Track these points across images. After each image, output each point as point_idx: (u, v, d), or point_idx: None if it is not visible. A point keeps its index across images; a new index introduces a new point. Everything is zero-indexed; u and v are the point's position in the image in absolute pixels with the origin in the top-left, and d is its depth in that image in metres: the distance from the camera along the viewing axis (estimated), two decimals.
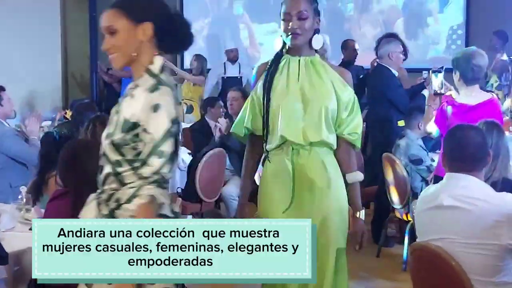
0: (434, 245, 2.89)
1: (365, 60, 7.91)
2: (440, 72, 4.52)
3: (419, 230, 3.08)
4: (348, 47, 8.17)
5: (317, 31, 3.05)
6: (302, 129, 2.99)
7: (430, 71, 4.61)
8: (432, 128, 4.69)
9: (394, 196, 5.42)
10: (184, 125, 7.69)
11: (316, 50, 3.11)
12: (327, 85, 3.03)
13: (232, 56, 8.90)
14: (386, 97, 5.96)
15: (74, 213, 2.87)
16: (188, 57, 9.62)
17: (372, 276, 5.21)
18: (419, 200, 3.16)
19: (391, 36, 7.09)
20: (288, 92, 3.02)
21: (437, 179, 3.18)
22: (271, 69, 3.07)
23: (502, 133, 3.55)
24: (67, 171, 3.13)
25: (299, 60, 3.06)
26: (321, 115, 2.99)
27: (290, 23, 2.98)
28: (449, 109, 4.51)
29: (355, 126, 3.07)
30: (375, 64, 6.50)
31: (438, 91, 4.55)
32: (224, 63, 8.97)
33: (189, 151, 6.43)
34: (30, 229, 3.39)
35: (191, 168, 5.81)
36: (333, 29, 9.11)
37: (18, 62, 8.57)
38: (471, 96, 4.44)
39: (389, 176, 5.47)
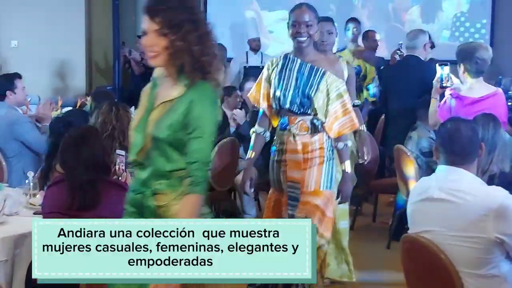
0: (424, 238, 2.91)
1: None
2: (446, 65, 4.48)
3: (410, 221, 3.09)
4: (369, 38, 8.02)
5: None
6: None
7: (437, 64, 4.57)
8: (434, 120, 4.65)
9: (404, 188, 5.32)
10: None
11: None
12: None
13: (255, 46, 8.71)
14: (423, 85, 5.76)
15: (69, 196, 3.11)
16: None
17: (381, 267, 5.13)
18: (412, 192, 3.17)
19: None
20: None
21: None
22: None
23: (499, 126, 3.56)
24: (64, 156, 3.31)
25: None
26: None
27: None
28: (452, 102, 4.51)
29: None
30: (396, 55, 6.38)
31: (444, 84, 4.50)
32: (247, 52, 8.83)
33: None
34: (35, 213, 3.60)
35: None
36: (341, 17, 8.88)
37: (43, 49, 8.72)
38: (475, 89, 4.47)
39: (400, 168, 5.40)
